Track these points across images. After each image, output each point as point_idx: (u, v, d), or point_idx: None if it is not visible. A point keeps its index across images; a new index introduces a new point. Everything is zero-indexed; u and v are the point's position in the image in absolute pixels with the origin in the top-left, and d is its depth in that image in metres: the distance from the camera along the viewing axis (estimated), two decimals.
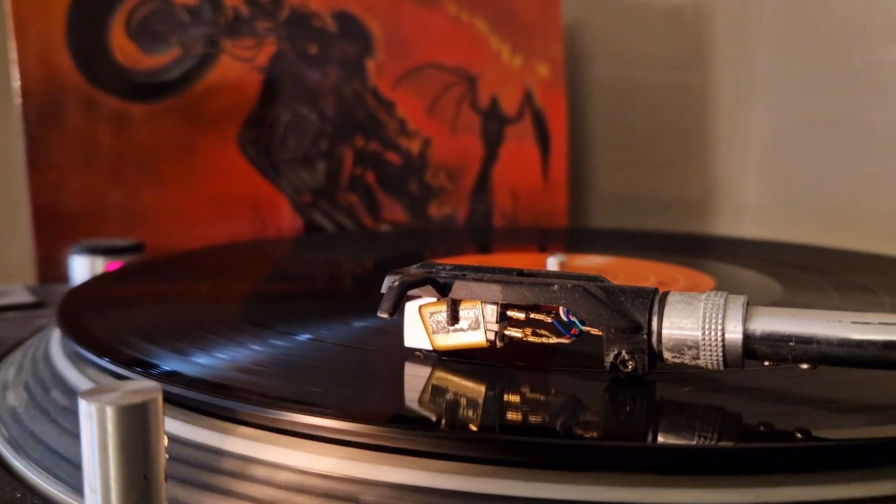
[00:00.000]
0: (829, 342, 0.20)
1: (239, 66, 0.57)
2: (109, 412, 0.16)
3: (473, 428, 0.20)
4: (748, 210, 0.67)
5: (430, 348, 0.25)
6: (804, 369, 0.21)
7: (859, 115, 0.60)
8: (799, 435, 0.19)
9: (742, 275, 0.43)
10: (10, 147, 0.54)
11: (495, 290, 0.23)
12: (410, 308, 0.25)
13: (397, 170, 0.63)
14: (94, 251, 0.46)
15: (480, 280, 0.23)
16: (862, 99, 0.60)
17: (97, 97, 0.53)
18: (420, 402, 0.22)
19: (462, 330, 0.24)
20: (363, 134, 0.62)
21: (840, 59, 0.61)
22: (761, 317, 0.21)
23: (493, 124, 0.66)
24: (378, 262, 0.47)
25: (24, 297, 0.43)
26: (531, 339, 0.24)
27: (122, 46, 0.54)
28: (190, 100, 0.56)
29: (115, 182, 0.54)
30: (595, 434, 0.20)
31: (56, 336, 0.31)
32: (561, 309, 0.23)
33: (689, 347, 0.21)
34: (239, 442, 0.21)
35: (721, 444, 0.19)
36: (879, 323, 0.20)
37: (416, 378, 0.24)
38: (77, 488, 0.21)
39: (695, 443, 0.19)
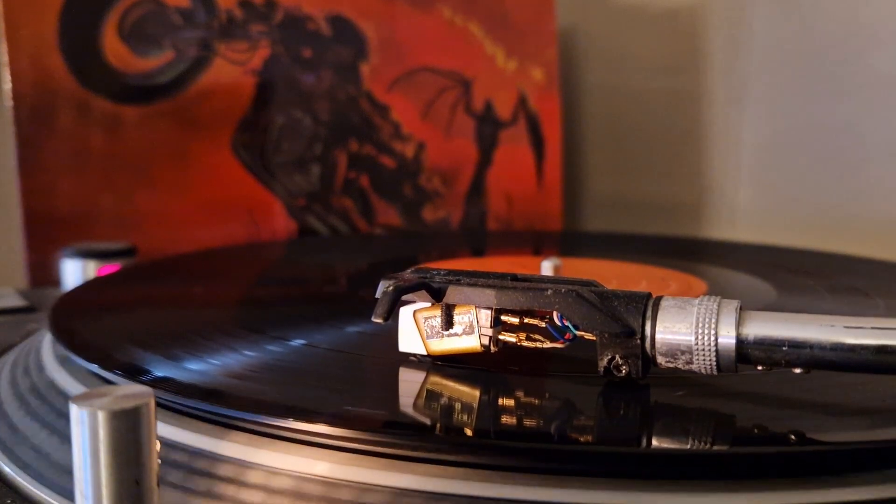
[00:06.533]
0: (822, 346, 0.20)
1: (232, 70, 0.57)
2: (101, 417, 0.16)
3: (468, 433, 0.20)
4: (741, 214, 0.68)
5: (425, 353, 0.25)
6: (797, 374, 0.21)
7: (852, 120, 0.61)
8: (793, 438, 0.19)
9: (735, 279, 0.43)
10: (1, 150, 0.54)
11: (489, 295, 0.23)
12: (405, 313, 0.25)
13: (391, 174, 0.63)
14: (86, 255, 0.46)
15: (475, 285, 0.23)
16: (854, 104, 0.60)
17: (89, 100, 0.53)
18: (414, 407, 0.22)
19: (456, 335, 0.24)
20: (357, 138, 0.61)
21: (833, 64, 0.61)
22: (754, 321, 0.21)
23: (488, 128, 0.66)
24: (372, 266, 0.47)
25: (15, 301, 0.43)
26: (525, 343, 0.24)
27: (114, 49, 0.54)
28: (183, 103, 0.56)
29: (107, 185, 0.54)
30: (589, 438, 0.20)
31: (47, 340, 0.31)
32: (555, 314, 0.23)
33: (683, 352, 0.21)
34: (232, 447, 0.21)
35: (715, 448, 0.19)
36: (872, 327, 0.20)
37: (410, 383, 0.24)
38: (69, 494, 0.21)
39: (689, 447, 0.19)
